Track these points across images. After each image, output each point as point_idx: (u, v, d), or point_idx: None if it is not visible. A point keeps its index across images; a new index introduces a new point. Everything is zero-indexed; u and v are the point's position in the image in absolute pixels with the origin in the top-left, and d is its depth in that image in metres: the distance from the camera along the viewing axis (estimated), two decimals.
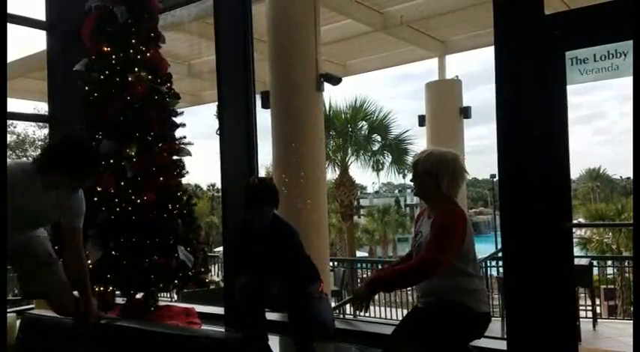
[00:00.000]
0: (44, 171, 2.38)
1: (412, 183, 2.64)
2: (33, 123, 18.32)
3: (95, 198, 3.52)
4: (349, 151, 15.04)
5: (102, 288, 3.47)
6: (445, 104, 10.12)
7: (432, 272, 2.38)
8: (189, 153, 3.97)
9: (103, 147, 3.58)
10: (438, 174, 2.47)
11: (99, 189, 3.53)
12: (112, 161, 3.57)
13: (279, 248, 2.99)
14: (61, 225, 2.59)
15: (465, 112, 10.07)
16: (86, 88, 3.75)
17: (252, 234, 3.07)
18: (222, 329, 3.68)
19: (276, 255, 2.98)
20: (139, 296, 3.76)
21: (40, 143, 18.53)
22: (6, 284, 2.15)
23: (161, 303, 4.02)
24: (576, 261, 6.80)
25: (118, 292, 3.95)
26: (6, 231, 2.21)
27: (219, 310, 4.34)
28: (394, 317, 7.42)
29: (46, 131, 17.37)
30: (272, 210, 3.05)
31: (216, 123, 4.37)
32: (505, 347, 2.82)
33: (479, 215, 34.14)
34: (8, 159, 2.48)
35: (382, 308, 7.72)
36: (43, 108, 11.73)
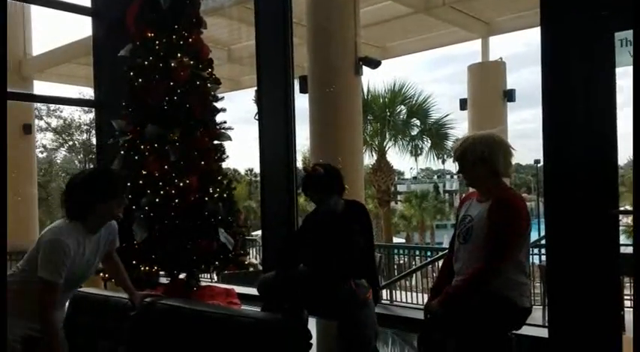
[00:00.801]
0: (83, 213, 2.23)
1: (461, 175, 2.57)
2: (79, 108, 18.91)
3: (140, 182, 3.63)
4: (387, 136, 14.90)
5: (147, 268, 3.59)
6: (488, 87, 9.91)
7: (493, 280, 2.37)
8: (229, 138, 4.03)
9: (148, 132, 3.68)
10: (490, 158, 2.40)
11: (144, 172, 3.64)
12: (156, 145, 3.66)
13: (355, 229, 2.93)
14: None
15: (509, 95, 9.83)
16: (131, 74, 3.84)
17: (320, 224, 2.96)
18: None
19: (348, 238, 2.90)
20: (181, 276, 3.88)
21: (85, 127, 19.14)
22: (6, 284, 2.11)
23: (202, 284, 4.13)
24: (623, 250, 6.60)
25: (162, 272, 4.09)
26: (6, 229, 2.09)
27: (250, 290, 4.44)
28: None
29: (91, 116, 17.96)
30: (341, 197, 2.98)
31: (254, 109, 4.42)
32: (546, 335, 2.78)
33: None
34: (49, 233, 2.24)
35: (419, 295, 7.69)
36: (88, 93, 12.10)
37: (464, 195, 2.91)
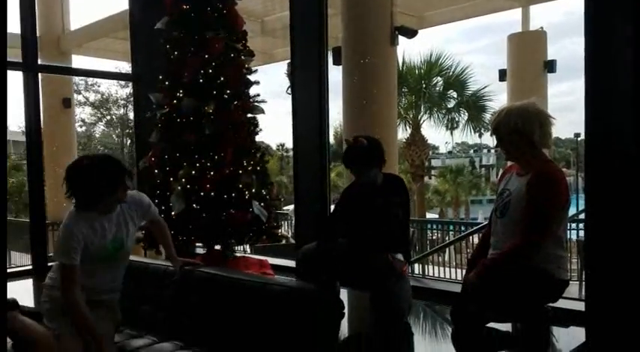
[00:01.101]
0: (92, 205, 2.34)
1: (498, 148, 2.55)
2: (116, 83, 19.27)
3: (177, 154, 3.70)
4: (422, 109, 14.67)
5: (184, 238, 3.68)
6: (528, 57, 9.60)
7: (533, 254, 2.36)
8: (262, 111, 4.05)
9: (184, 106, 3.72)
10: (526, 129, 2.36)
11: (180, 145, 3.70)
12: (191, 119, 3.71)
13: (395, 202, 2.94)
14: None
15: (550, 66, 9.51)
16: (167, 47, 3.88)
17: (359, 196, 2.97)
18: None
19: (387, 211, 2.91)
20: (217, 247, 3.97)
21: (122, 102, 19.51)
22: (6, 281, 2.14)
23: (237, 255, 4.22)
24: None
25: (198, 244, 4.19)
26: (6, 228, 2.12)
27: (290, 263, 4.51)
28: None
29: (127, 90, 18.28)
30: (380, 170, 2.97)
31: (286, 83, 4.40)
32: (583, 309, 2.74)
33: None
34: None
35: (452, 270, 7.67)
36: (124, 67, 12.30)
37: (504, 169, 2.87)
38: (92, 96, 19.57)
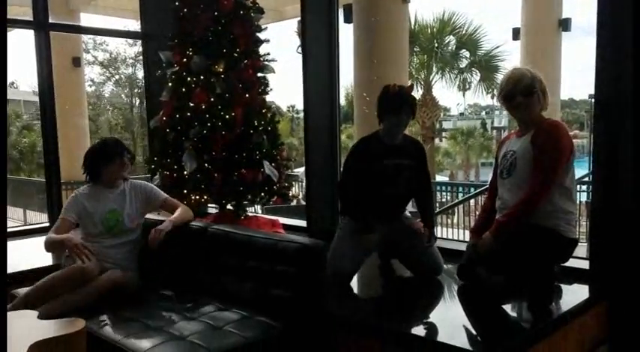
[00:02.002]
0: (95, 177, 2.97)
1: (509, 108, 2.58)
2: (124, 41, 19.09)
3: (188, 114, 3.72)
4: (434, 69, 14.45)
5: (197, 197, 3.75)
6: (543, 15, 9.34)
7: (545, 199, 2.40)
8: (273, 71, 4.03)
9: (194, 64, 3.71)
10: (541, 91, 2.48)
11: (191, 104, 3.71)
12: (202, 77, 3.71)
13: (415, 164, 2.90)
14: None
15: (565, 25, 9.26)
16: (176, 4, 3.84)
17: (380, 149, 2.85)
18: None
19: (409, 172, 2.87)
20: (229, 207, 4.03)
21: (130, 61, 19.39)
22: (6, 281, 2.35)
23: (249, 214, 4.28)
24: None
25: (210, 204, 4.26)
26: (6, 227, 2.35)
27: (301, 222, 4.59)
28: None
29: (136, 49, 18.15)
30: (409, 121, 2.85)
31: (296, 41, 4.34)
32: (587, 267, 2.80)
33: (573, 138, 32.07)
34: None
35: (460, 231, 7.74)
36: (132, 25, 12.17)
37: (501, 138, 2.91)
38: (101, 55, 19.48)
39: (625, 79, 2.56)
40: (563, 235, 2.47)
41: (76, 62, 10.44)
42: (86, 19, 11.27)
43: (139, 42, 16.27)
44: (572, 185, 2.55)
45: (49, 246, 2.82)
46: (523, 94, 2.47)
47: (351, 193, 2.91)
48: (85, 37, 15.92)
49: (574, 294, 2.67)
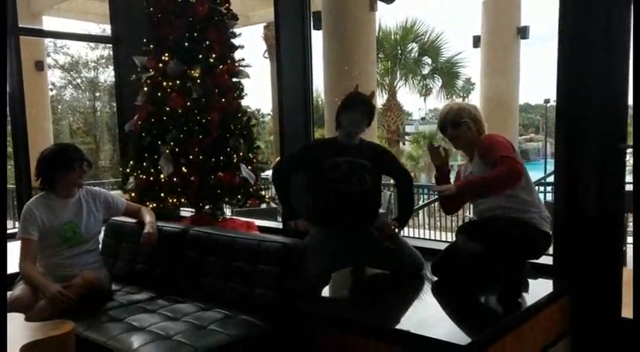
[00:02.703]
0: (49, 184, 2.77)
1: (448, 139, 2.80)
2: (85, 45, 18.65)
3: (164, 118, 3.75)
4: (397, 75, 14.77)
5: (174, 200, 3.77)
6: (502, 23, 9.70)
7: (516, 178, 2.53)
8: (247, 76, 4.09)
9: (170, 69, 3.75)
10: (471, 119, 2.71)
11: (167, 109, 3.75)
12: (178, 82, 3.75)
13: (373, 166, 2.96)
14: None
15: (523, 33, 9.64)
16: (150, 9, 3.87)
17: (334, 147, 2.95)
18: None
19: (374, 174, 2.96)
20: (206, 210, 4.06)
21: (92, 64, 18.97)
22: (6, 281, 2.35)
23: (226, 217, 4.33)
24: (629, 187, 6.73)
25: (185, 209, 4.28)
26: (6, 227, 2.48)
27: (275, 224, 4.67)
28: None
29: (98, 52, 17.78)
30: (365, 123, 2.97)
31: (262, 46, 4.40)
32: (551, 263, 2.97)
33: (529, 142, 33.21)
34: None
35: (424, 231, 7.95)
36: (93, 29, 11.97)
37: (457, 171, 3.08)
38: (62, 59, 18.98)
39: (586, 84, 2.75)
40: (537, 227, 2.62)
41: (39, 66, 10.18)
42: (48, 23, 11.02)
43: (101, 46, 15.88)
44: (530, 183, 2.74)
45: (27, 281, 2.63)
46: (452, 126, 2.72)
47: (287, 181, 3.04)
48: (46, 41, 15.52)
49: (539, 288, 2.83)
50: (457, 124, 2.71)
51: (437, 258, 2.98)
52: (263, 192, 4.26)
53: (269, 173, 10.33)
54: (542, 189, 7.73)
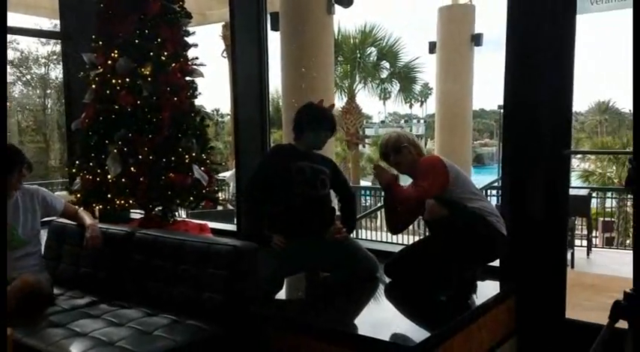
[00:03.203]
0: None
1: (391, 166, 2.92)
2: (36, 40, 17.99)
3: (113, 116, 3.63)
4: (357, 78, 14.89)
5: (122, 202, 3.66)
6: (457, 30, 9.93)
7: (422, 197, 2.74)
8: (201, 75, 4.01)
9: (119, 66, 3.64)
10: (410, 144, 2.89)
11: (116, 107, 3.63)
12: (127, 80, 3.64)
13: (329, 173, 3.01)
14: None
15: (477, 40, 9.89)
16: (100, 6, 3.75)
17: (294, 154, 2.98)
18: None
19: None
20: (156, 211, 3.96)
21: (43, 60, 18.32)
22: (6, 281, 2.33)
23: (177, 219, 4.23)
24: (576, 192, 7.00)
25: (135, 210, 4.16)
26: (6, 227, 2.36)
27: (229, 226, 4.59)
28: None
29: (49, 48, 17.17)
30: (327, 139, 3.06)
31: (220, 45, 4.34)
32: (498, 265, 3.03)
33: (484, 146, 34.14)
34: None
35: (383, 234, 8.01)
36: (44, 24, 11.54)
37: None
38: (11, 54, 18.22)
39: (532, 91, 2.82)
40: (497, 229, 2.71)
41: None
42: None
43: (52, 41, 15.29)
44: (477, 191, 2.85)
45: None
46: (394, 152, 2.87)
47: (257, 205, 2.98)
48: None
49: (487, 290, 2.89)
50: (399, 150, 2.87)
51: (391, 259, 3.01)
52: (219, 194, 4.18)
53: (226, 174, 10.25)
54: (494, 192, 7.95)
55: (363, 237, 7.51)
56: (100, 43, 3.77)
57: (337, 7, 6.73)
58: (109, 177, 3.58)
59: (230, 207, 8.50)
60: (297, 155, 2.98)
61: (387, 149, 2.90)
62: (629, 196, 8.30)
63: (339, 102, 14.82)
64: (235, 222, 4.28)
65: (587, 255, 6.61)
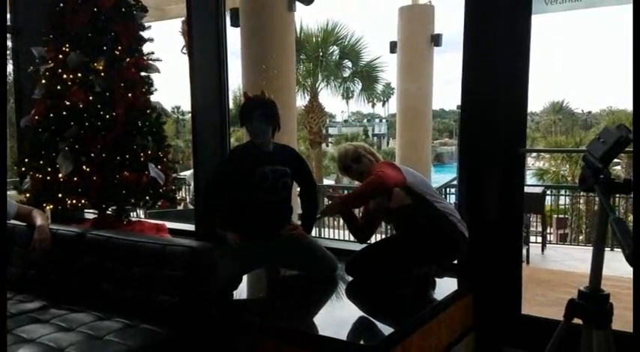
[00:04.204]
0: None
1: (352, 177, 3.02)
2: None
3: (64, 112, 3.49)
4: (319, 77, 14.88)
5: (74, 201, 3.52)
6: (417, 30, 10.03)
7: (379, 183, 2.71)
8: (157, 70, 3.91)
9: (70, 60, 3.50)
10: (367, 152, 2.97)
11: (67, 103, 3.49)
12: (79, 75, 3.51)
13: (291, 170, 2.95)
14: None
15: (436, 40, 10.02)
16: None
17: (256, 156, 2.90)
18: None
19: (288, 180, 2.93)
20: (110, 211, 3.84)
21: None
22: (6, 281, 2.29)
23: (132, 219, 4.11)
24: (531, 189, 7.19)
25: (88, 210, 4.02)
26: (6, 225, 2.33)
27: (188, 226, 4.49)
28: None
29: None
30: (272, 129, 2.94)
31: (180, 41, 4.26)
32: (455, 262, 3.07)
33: (443, 146, 34.80)
34: None
35: (346, 232, 8.02)
36: None
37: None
38: None
39: (487, 91, 2.87)
40: (459, 229, 2.76)
41: None
42: None
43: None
44: (437, 193, 2.92)
45: None
46: (355, 162, 2.94)
47: (214, 204, 2.93)
48: None
49: (445, 287, 2.92)
50: (358, 159, 2.94)
51: (351, 257, 3.01)
52: (177, 194, 4.08)
53: (186, 173, 10.02)
54: (453, 190, 8.08)
55: (326, 236, 7.50)
56: (51, 36, 3.63)
57: (298, 5, 6.69)
58: (59, 175, 3.45)
59: (191, 206, 8.34)
60: (258, 154, 2.91)
61: (346, 161, 2.96)
62: (581, 194, 8.61)
63: (302, 100, 14.81)
64: (195, 221, 4.18)
65: (542, 251, 6.80)
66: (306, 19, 19.51)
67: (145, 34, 3.85)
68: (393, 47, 10.42)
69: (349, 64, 14.80)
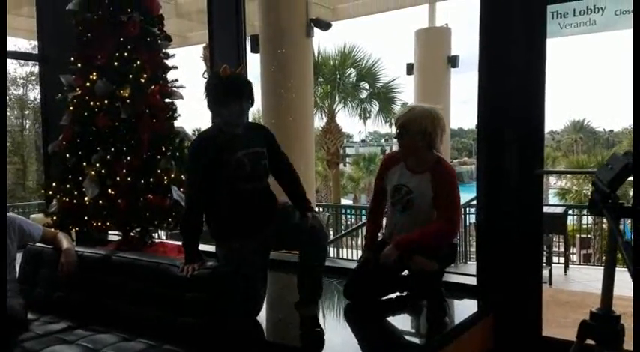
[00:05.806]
0: None
1: (398, 140, 2.75)
2: (15, 61, 17.84)
3: (91, 138, 3.62)
4: (337, 98, 15.03)
5: (99, 224, 3.62)
6: (433, 52, 10.14)
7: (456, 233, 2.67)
8: (181, 97, 4.04)
9: (98, 88, 3.64)
10: (431, 132, 2.64)
11: (94, 129, 3.62)
12: (106, 102, 3.64)
13: (267, 150, 2.56)
14: None
15: (453, 61, 10.11)
16: (79, 29, 3.76)
17: (225, 142, 2.46)
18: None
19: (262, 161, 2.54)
20: (134, 233, 3.93)
21: (21, 81, 18.15)
22: (6, 279, 2.34)
23: (155, 241, 4.20)
24: (552, 209, 7.13)
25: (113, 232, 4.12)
26: (6, 228, 2.35)
27: (209, 247, 4.54)
28: None
29: (27, 69, 17.02)
30: (249, 109, 2.51)
31: (201, 66, 4.38)
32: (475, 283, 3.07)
33: (462, 165, 34.56)
34: None
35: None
36: (23, 46, 11.48)
37: (385, 157, 3.01)
38: None
39: (505, 113, 2.90)
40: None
41: None
42: None
43: (31, 62, 15.17)
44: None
45: None
46: (415, 132, 2.64)
47: (198, 221, 2.63)
48: None
49: (464, 309, 2.92)
50: (430, 145, 2.67)
51: (348, 280, 2.95)
52: None
53: None
54: (472, 210, 8.02)
55: (344, 257, 7.52)
56: (79, 65, 3.78)
57: (316, 30, 6.83)
58: (86, 199, 3.56)
59: None
60: (226, 139, 2.46)
61: (421, 128, 2.61)
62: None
63: (320, 121, 14.94)
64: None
65: (565, 271, 6.70)
66: (324, 43, 19.78)
67: (169, 61, 3.99)
68: (409, 69, 10.54)
69: (366, 85, 14.94)
